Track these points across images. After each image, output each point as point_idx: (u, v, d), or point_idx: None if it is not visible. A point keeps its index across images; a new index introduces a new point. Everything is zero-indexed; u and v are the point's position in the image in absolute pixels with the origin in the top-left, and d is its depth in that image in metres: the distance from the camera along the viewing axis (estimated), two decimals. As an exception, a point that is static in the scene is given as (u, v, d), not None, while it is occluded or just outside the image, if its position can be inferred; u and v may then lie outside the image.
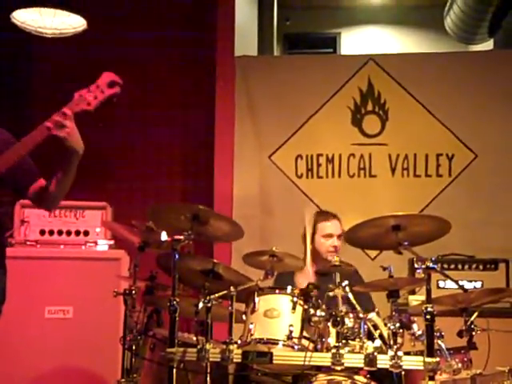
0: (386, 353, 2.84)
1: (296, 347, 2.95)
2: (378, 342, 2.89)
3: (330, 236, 3.88)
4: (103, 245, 4.16)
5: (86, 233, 4.17)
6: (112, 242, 4.16)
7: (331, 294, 3.04)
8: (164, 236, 3.23)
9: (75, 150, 2.60)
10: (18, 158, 2.57)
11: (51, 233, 4.15)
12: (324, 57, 5.86)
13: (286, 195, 4.91)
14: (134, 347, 3.33)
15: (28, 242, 4.10)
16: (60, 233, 4.16)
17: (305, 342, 2.98)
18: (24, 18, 4.29)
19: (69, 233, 4.16)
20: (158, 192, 4.90)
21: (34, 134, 2.55)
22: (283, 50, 6.73)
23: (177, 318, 2.98)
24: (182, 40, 5.16)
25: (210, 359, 2.95)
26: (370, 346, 2.86)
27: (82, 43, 4.67)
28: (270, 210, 4.90)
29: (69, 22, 4.38)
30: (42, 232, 4.15)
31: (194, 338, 3.23)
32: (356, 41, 6.76)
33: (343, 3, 6.82)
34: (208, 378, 3.06)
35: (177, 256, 3.01)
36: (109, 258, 4.07)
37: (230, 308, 3.10)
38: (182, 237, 3.03)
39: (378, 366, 2.83)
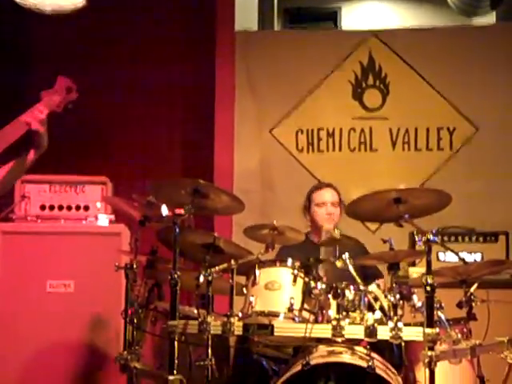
0: (386, 324, 2.85)
1: (297, 319, 2.97)
2: (378, 314, 2.91)
3: (324, 204, 3.90)
4: (104, 219, 4.15)
5: (87, 207, 4.16)
6: (112, 217, 4.16)
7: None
8: (165, 210, 3.22)
9: (44, 147, 2.68)
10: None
11: (52, 208, 4.15)
12: (325, 31, 5.77)
13: (287, 169, 4.91)
14: (135, 320, 3.34)
15: (29, 218, 4.09)
16: (60, 208, 4.15)
17: (305, 314, 2.99)
18: (23, -7, 4.25)
19: (69, 208, 4.15)
20: (158, 166, 4.89)
21: (13, 129, 2.60)
22: (283, 25, 6.66)
23: (178, 292, 2.99)
24: (182, 15, 5.13)
25: (212, 332, 2.97)
26: (370, 318, 2.88)
27: (81, 19, 4.64)
28: (270, 184, 4.90)
29: (68, -2, 4.34)
30: (43, 207, 4.14)
31: (195, 311, 3.26)
32: (357, 15, 6.69)
33: (344, -24, 6.75)
34: (209, 351, 3.08)
35: (177, 230, 3.02)
36: (109, 233, 4.07)
37: (230, 281, 3.12)
38: (182, 211, 3.03)
39: (378, 337, 2.84)
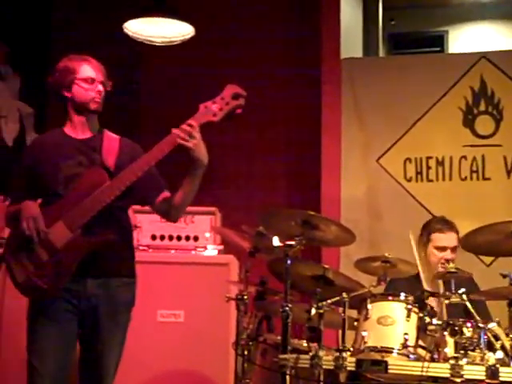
0: (509, 365, 2.71)
1: (412, 356, 2.88)
2: (500, 354, 2.77)
3: (444, 249, 3.71)
4: (212, 250, 4.20)
5: (196, 238, 4.20)
6: (221, 247, 4.19)
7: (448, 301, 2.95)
8: (276, 241, 3.22)
9: (201, 160, 2.69)
10: (147, 167, 2.67)
11: (162, 238, 4.22)
12: (432, 56, 5.65)
13: (395, 199, 4.78)
14: (246, 352, 3.33)
15: (140, 247, 4.17)
16: (171, 238, 4.21)
17: (421, 352, 2.89)
18: (135, 28, 4.42)
19: (179, 238, 4.21)
20: (265, 196, 4.91)
21: (162, 145, 2.66)
22: (388, 51, 6.59)
23: (289, 324, 2.96)
24: (288, 44, 5.16)
25: (323, 366, 2.91)
26: (491, 358, 2.74)
27: (190, 50, 4.77)
28: (378, 214, 4.79)
29: (177, 30, 4.48)
30: (154, 237, 4.22)
31: (305, 344, 3.22)
32: (465, 38, 6.51)
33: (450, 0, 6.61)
34: (320, 386, 3.02)
35: (289, 261, 3.00)
36: (218, 263, 4.09)
37: (342, 314, 3.07)
38: (294, 242, 3.01)
39: (501, 378, 2.70)
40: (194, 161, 2.68)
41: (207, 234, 4.18)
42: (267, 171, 5.04)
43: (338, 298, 3.03)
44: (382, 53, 6.19)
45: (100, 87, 2.84)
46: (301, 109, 5.06)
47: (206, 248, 4.19)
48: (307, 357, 2.93)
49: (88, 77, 2.83)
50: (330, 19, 5.02)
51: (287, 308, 2.95)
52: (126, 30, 4.40)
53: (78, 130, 2.88)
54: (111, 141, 2.89)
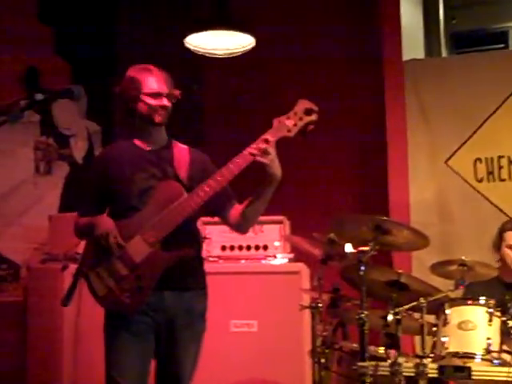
0: None
1: (496, 362, 2.80)
2: None
3: None
4: (282, 258, 4.18)
5: (265, 247, 4.20)
6: (291, 256, 4.17)
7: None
8: (349, 248, 3.19)
9: (275, 176, 2.67)
10: (225, 182, 2.67)
11: (232, 248, 4.23)
12: (497, 53, 5.51)
13: (466, 201, 4.66)
14: (322, 360, 3.30)
15: (210, 258, 4.18)
16: (240, 248, 4.22)
17: (506, 357, 2.81)
18: (197, 42, 4.46)
19: (249, 248, 4.21)
20: (333, 203, 4.86)
21: (238, 160, 2.64)
22: (450, 51, 6.47)
23: (366, 332, 2.92)
24: (349, 49, 5.12)
25: (404, 374, 2.86)
26: None
27: (250, 61, 4.78)
28: (449, 216, 4.69)
29: (238, 42, 4.50)
30: (223, 248, 4.23)
31: (381, 351, 3.17)
32: (530, 34, 6.37)
33: (513, -5, 6.45)
34: (401, 393, 2.96)
35: (363, 268, 2.96)
36: (289, 272, 4.06)
37: (419, 320, 3.01)
38: (367, 248, 2.97)
39: None
40: (268, 176, 2.66)
41: (276, 243, 4.17)
42: (334, 177, 4.98)
43: (415, 303, 2.97)
44: (444, 53, 6.08)
45: (165, 102, 2.81)
46: (365, 113, 5.00)
47: (275, 257, 4.18)
48: (386, 364, 2.88)
49: (153, 91, 2.82)
50: (391, 22, 4.96)
51: (363, 315, 2.91)
52: (187, 45, 4.44)
53: (146, 141, 2.88)
54: (181, 152, 2.89)
